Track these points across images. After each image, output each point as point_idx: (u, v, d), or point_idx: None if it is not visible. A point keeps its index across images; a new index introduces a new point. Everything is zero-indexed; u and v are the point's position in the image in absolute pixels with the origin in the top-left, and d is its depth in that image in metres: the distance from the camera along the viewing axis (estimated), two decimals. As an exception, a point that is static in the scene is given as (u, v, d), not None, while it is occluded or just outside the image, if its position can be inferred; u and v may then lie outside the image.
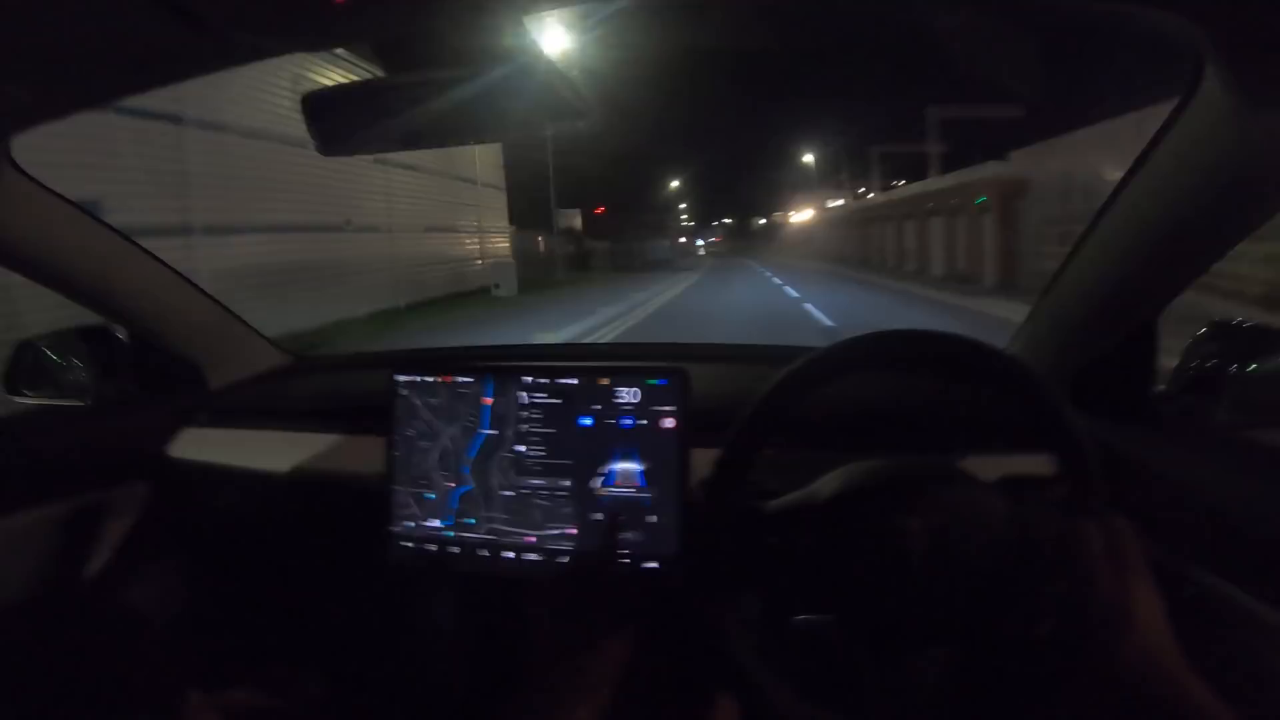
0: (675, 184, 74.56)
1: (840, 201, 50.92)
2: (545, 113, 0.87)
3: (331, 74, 11.75)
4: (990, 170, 20.78)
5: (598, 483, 1.01)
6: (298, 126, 0.85)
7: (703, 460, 0.93)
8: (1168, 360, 1.05)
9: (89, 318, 1.42)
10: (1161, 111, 0.86)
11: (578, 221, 45.93)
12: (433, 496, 1.08)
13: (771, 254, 57.49)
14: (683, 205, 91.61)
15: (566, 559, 1.01)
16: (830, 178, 56.30)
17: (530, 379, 1.05)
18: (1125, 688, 0.69)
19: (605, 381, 1.02)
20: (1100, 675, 0.72)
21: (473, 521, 1.06)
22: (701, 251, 77.27)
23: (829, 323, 12.45)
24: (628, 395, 1.01)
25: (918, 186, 29.06)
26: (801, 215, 60.34)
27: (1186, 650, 0.70)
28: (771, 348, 1.55)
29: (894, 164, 40.09)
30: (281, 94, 11.57)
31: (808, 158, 57.11)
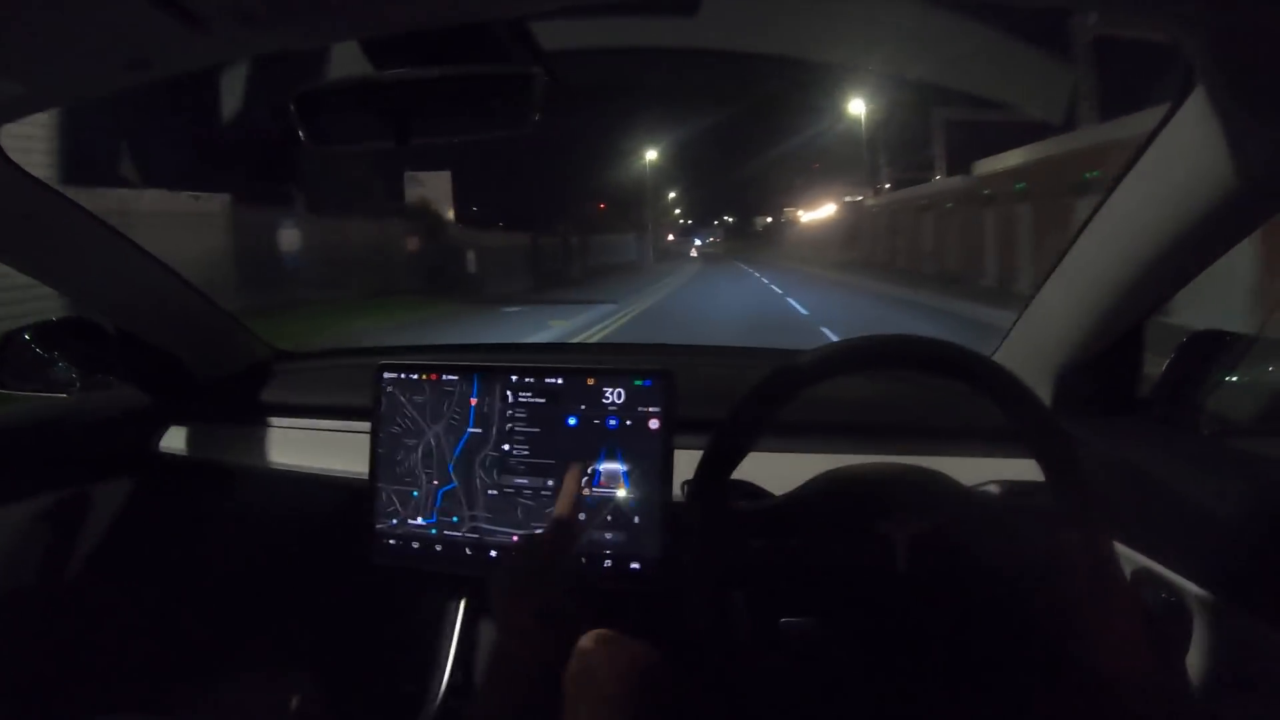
0: (650, 155, 52.68)
1: (859, 197, 33.83)
2: (534, 108, 0.89)
3: None
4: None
5: (582, 482, 1.03)
6: None
7: (688, 461, 0.95)
8: (1152, 368, 1.07)
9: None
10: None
11: (443, 196, 23.61)
12: (417, 494, 1.10)
13: (781, 258, 42.57)
14: (672, 195, 78.30)
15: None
16: (850, 169, 37.63)
17: (516, 378, 1.07)
18: (1104, 698, 0.71)
19: (591, 381, 1.04)
20: (1080, 685, 0.74)
21: (457, 520, 1.08)
22: (693, 253, 62.82)
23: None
24: (614, 395, 1.03)
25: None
26: (816, 213, 45.13)
27: (1165, 657, 0.72)
28: (759, 350, 1.57)
29: (960, 136, 23.98)
30: None
31: (855, 110, 34.63)
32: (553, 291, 21.17)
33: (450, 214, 23.75)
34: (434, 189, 22.99)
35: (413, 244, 20.63)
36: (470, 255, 21.84)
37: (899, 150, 30.55)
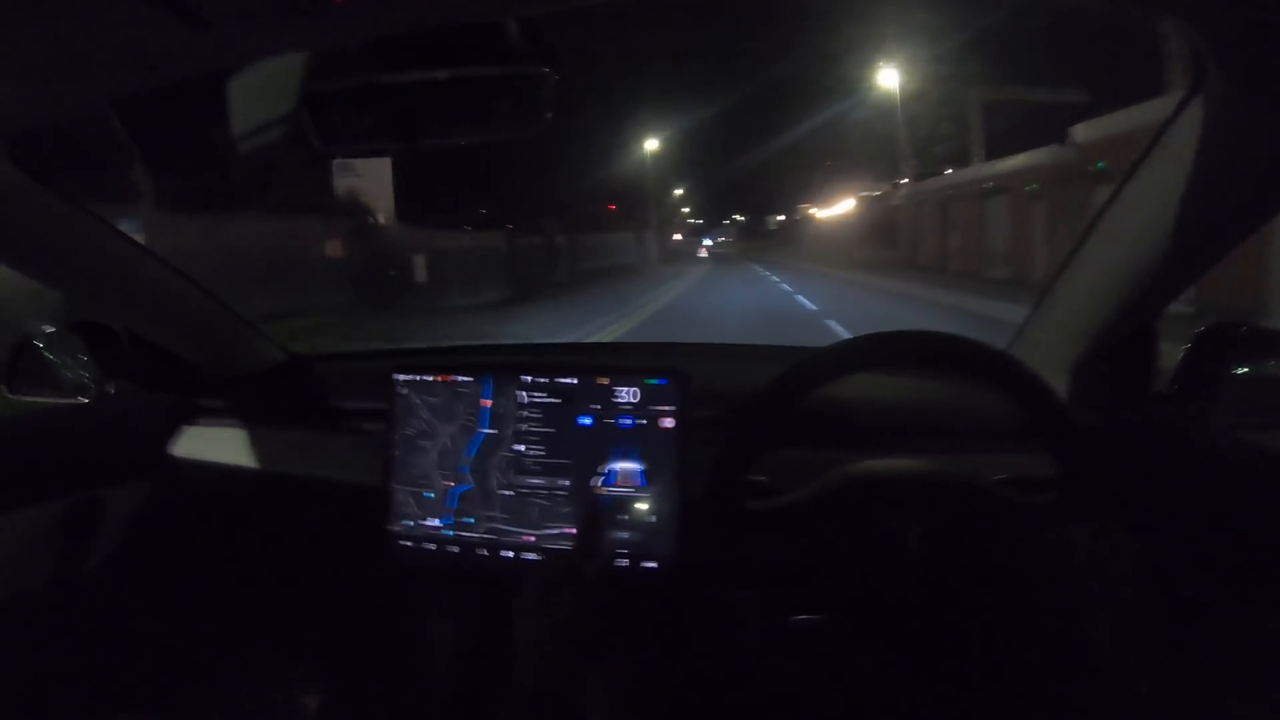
0: (652, 146, 46.52)
1: (893, 185, 27.63)
2: (544, 109, 0.90)
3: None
4: None
5: (597, 482, 1.04)
6: None
7: (702, 460, 0.96)
8: (1165, 362, 1.07)
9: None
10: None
11: (382, 187, 18.28)
12: (431, 496, 1.11)
13: (801, 259, 36.83)
14: (679, 192, 74.44)
15: (565, 558, 1.04)
16: (868, 163, 31.77)
17: (529, 378, 1.08)
18: (1114, 692, 0.72)
19: (605, 381, 1.05)
20: (1090, 679, 0.74)
21: (472, 521, 1.09)
22: (702, 253, 57.07)
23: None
24: (627, 395, 1.04)
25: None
26: (834, 209, 40.63)
27: (1175, 652, 0.73)
28: (773, 348, 1.57)
29: (1000, 120, 21.07)
30: None
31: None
32: (532, 300, 17.22)
33: (391, 209, 18.36)
34: (371, 179, 17.73)
35: (335, 248, 15.78)
36: (419, 260, 17.42)
37: (926, 139, 25.83)
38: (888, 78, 26.65)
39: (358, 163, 17.02)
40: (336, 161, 16.41)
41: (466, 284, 17.25)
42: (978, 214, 18.39)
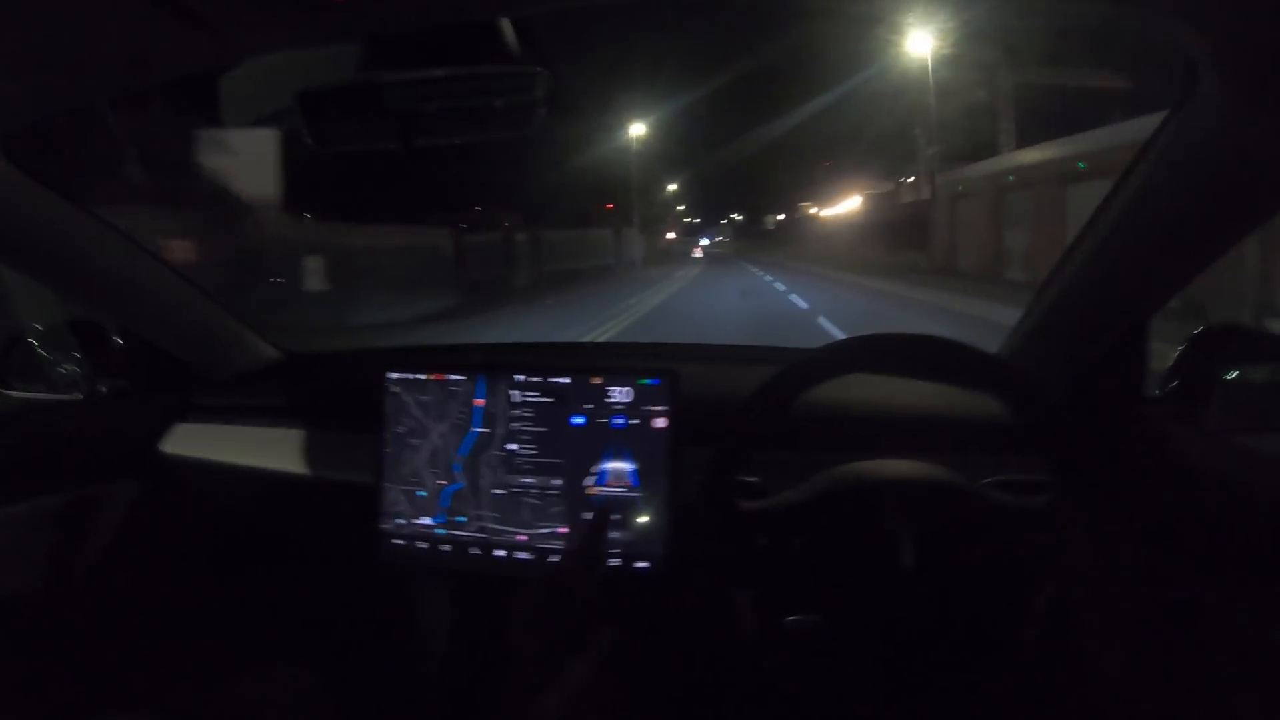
0: (637, 131, 41.83)
1: (893, 186, 26.20)
2: (537, 108, 0.91)
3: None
4: None
5: (589, 482, 1.05)
6: None
7: (695, 460, 0.97)
8: (1158, 364, 1.08)
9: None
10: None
11: (266, 168, 12.47)
12: (423, 494, 1.12)
13: (804, 260, 33.25)
14: (673, 188, 71.41)
15: (557, 558, 1.05)
16: (872, 160, 29.05)
17: (522, 377, 1.09)
18: (1108, 694, 0.73)
19: (597, 381, 1.06)
20: (1084, 681, 0.75)
21: (464, 520, 1.10)
22: (697, 253, 53.86)
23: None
24: (620, 395, 1.05)
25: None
26: (838, 207, 37.96)
27: (1174, 653, 0.74)
28: (765, 349, 1.59)
29: (1037, 105, 17.48)
30: None
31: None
32: (482, 311, 14.40)
33: (275, 196, 13.32)
34: (250, 156, 12.82)
35: (182, 249, 11.19)
36: (312, 263, 13.49)
37: (949, 125, 21.77)
38: (909, 55, 22.88)
39: (233, 136, 12.72)
40: (205, 135, 12.41)
41: (392, 292, 13.98)
42: (1058, 205, 14.25)
